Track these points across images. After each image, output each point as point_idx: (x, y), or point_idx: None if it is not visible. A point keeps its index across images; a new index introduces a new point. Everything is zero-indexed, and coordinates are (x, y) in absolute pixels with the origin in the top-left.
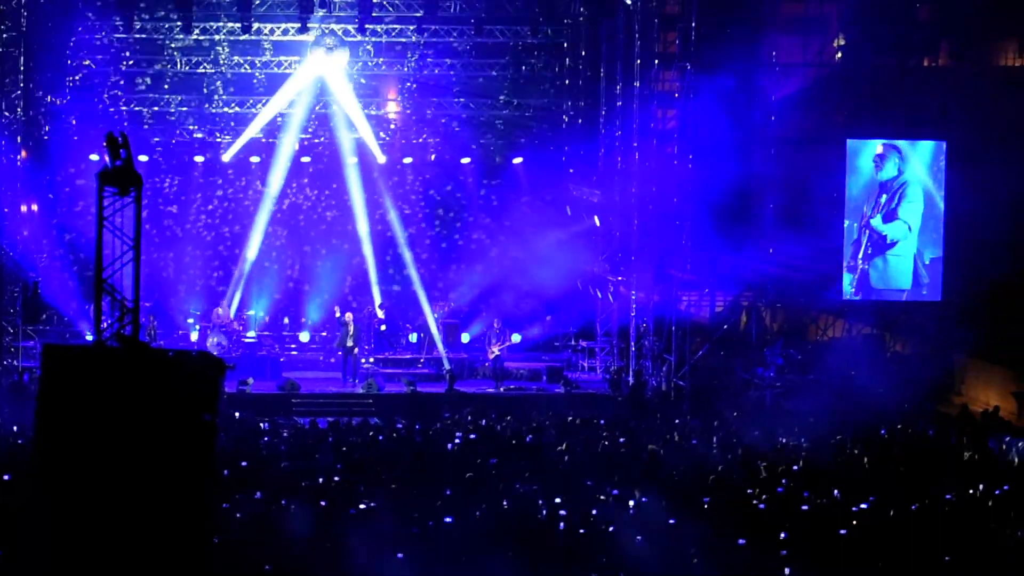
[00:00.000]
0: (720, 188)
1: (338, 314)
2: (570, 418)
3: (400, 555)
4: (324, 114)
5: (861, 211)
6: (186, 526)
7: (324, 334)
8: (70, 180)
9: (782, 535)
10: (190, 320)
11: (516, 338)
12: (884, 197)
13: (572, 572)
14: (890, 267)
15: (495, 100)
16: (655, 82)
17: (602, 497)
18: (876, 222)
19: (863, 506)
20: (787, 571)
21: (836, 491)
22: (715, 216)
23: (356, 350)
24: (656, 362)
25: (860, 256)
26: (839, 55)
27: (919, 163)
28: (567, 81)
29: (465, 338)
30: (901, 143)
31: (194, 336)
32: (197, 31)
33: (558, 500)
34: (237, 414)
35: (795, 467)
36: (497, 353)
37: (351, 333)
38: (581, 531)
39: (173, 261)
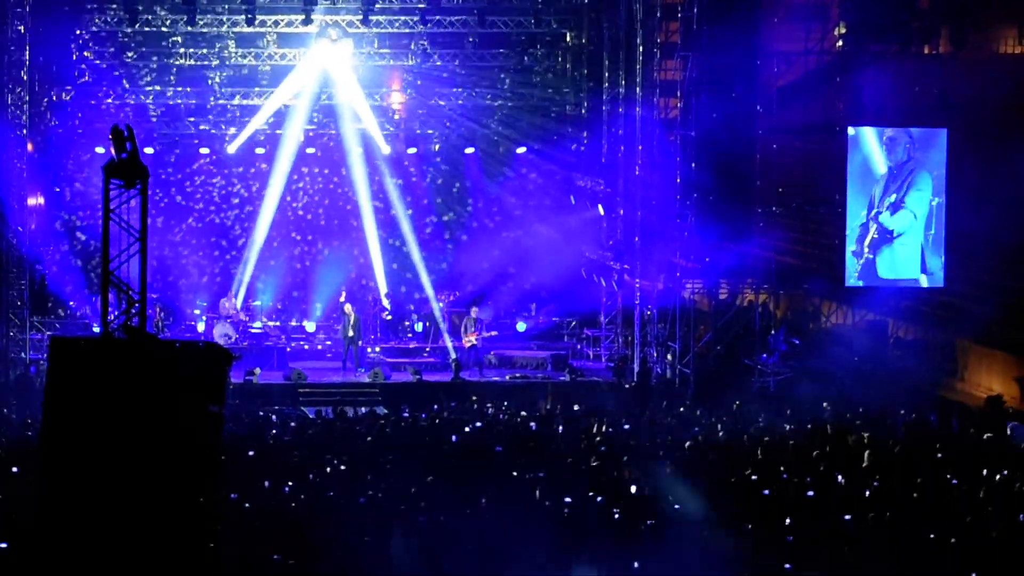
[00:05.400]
0: (723, 176)
1: (343, 299)
2: (576, 407)
3: (406, 544)
4: (328, 105)
5: (869, 196)
6: (193, 517)
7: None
8: (76, 173)
9: (786, 521)
10: (197, 311)
11: (521, 327)
12: (893, 186)
13: (580, 558)
14: (897, 257)
15: (499, 90)
16: (657, 71)
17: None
18: (885, 217)
19: (867, 492)
20: (791, 555)
21: (840, 477)
22: (718, 204)
23: (360, 341)
24: (660, 350)
25: (867, 243)
26: (840, 43)
27: (928, 149)
28: (570, 71)
29: None
30: (912, 131)
31: (201, 327)
32: (201, 23)
33: (560, 488)
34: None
35: (799, 453)
36: (474, 343)
37: (351, 323)
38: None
39: (180, 253)
